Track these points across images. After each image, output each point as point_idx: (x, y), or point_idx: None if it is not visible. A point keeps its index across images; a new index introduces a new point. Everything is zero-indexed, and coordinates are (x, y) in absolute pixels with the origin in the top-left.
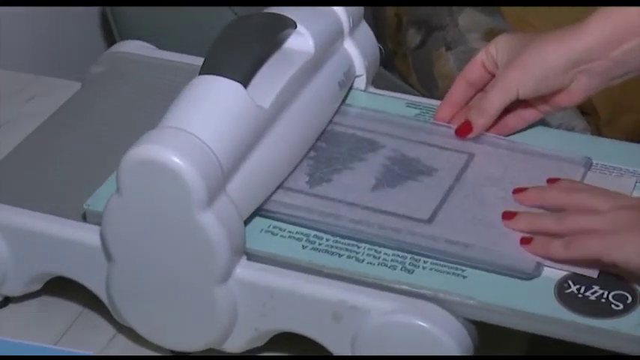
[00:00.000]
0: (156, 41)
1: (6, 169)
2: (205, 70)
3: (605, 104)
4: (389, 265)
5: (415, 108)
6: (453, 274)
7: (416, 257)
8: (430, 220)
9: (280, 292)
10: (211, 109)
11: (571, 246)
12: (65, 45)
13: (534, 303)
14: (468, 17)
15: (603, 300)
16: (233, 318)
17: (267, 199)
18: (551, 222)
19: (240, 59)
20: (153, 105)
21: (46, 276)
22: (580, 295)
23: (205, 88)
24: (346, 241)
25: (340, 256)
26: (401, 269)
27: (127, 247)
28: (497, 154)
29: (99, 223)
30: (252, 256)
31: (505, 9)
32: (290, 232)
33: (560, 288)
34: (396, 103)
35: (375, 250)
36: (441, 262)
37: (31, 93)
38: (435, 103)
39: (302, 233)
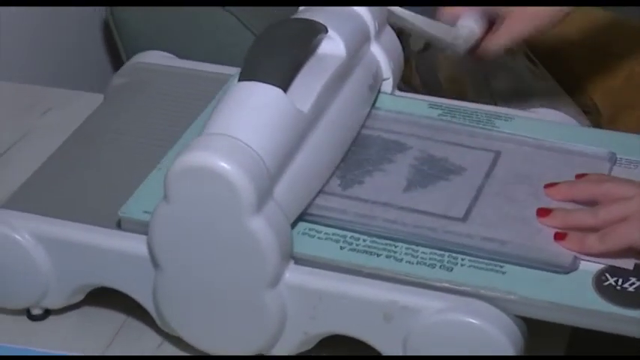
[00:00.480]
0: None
1: (40, 182)
2: (245, 76)
3: (606, 102)
4: (428, 263)
5: (437, 108)
6: (492, 270)
7: (453, 255)
8: (464, 219)
9: (330, 295)
10: (254, 115)
11: (606, 239)
12: (67, 56)
13: (574, 296)
14: None
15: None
16: (282, 322)
17: None
18: (585, 216)
19: (278, 65)
20: (178, 113)
21: (89, 287)
22: (618, 287)
23: (246, 94)
24: (383, 241)
25: (379, 255)
26: (440, 267)
27: (175, 254)
28: (522, 152)
29: (134, 230)
30: (294, 259)
31: None
32: (327, 233)
33: (598, 281)
34: (419, 105)
35: (413, 249)
36: (479, 260)
37: (45, 106)
38: (455, 103)
39: (339, 235)
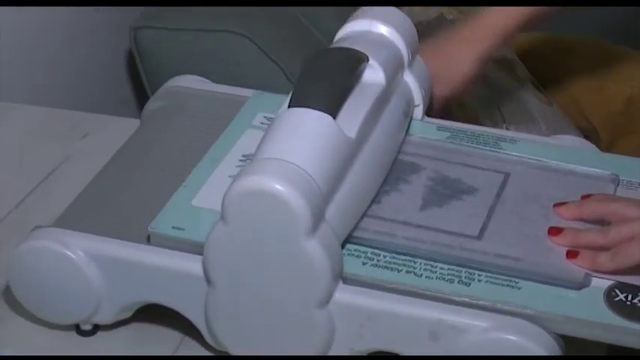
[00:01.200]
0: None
1: (87, 202)
2: (295, 102)
3: (605, 128)
4: (446, 278)
5: (445, 131)
6: (508, 285)
7: (470, 271)
8: (479, 236)
9: (377, 314)
10: (307, 140)
11: (616, 258)
12: (94, 82)
13: (586, 310)
14: None
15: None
16: (331, 339)
17: None
18: (595, 236)
19: (328, 92)
20: (214, 134)
21: (139, 304)
22: (629, 303)
23: (298, 120)
24: (402, 257)
25: (399, 271)
26: (458, 282)
27: (230, 273)
28: (531, 173)
29: (163, 245)
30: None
31: (515, 42)
32: (348, 249)
33: (609, 296)
34: (428, 127)
35: (431, 265)
36: (495, 275)
37: (83, 130)
38: (461, 126)
39: (360, 251)
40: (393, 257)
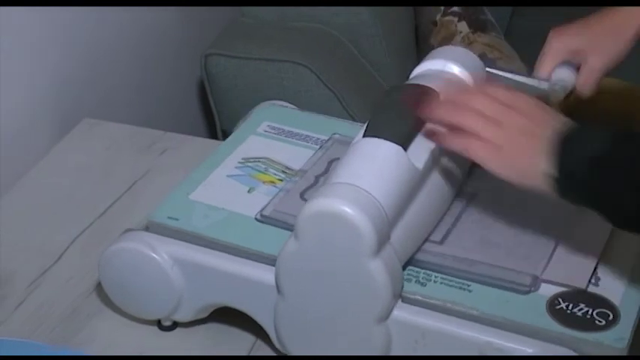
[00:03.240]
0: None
1: None
2: (370, 133)
3: None
4: (405, 278)
5: None
6: (460, 287)
7: (428, 272)
8: (442, 241)
9: (431, 332)
10: (378, 168)
11: (458, 141)
12: (170, 104)
13: (529, 315)
14: None
15: (588, 316)
16: (387, 352)
17: None
18: (446, 113)
19: (400, 125)
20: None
21: (216, 306)
22: (568, 311)
23: (371, 149)
24: None
25: None
26: (415, 282)
27: (298, 284)
28: (501, 185)
29: (159, 232)
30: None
31: None
32: None
33: (552, 304)
34: None
35: (408, 268)
36: (450, 277)
37: (162, 147)
38: None
39: None
40: None
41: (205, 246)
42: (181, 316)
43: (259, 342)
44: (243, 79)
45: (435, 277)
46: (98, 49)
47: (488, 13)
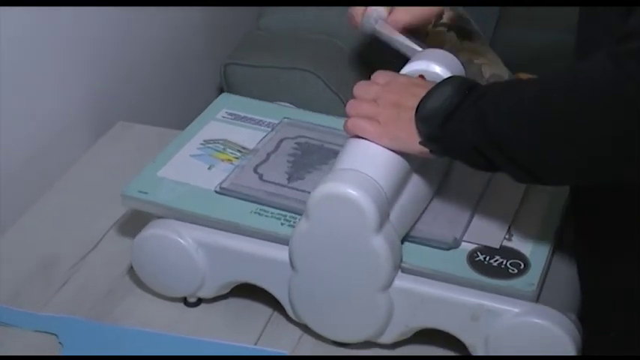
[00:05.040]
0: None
1: None
2: None
3: None
4: None
5: None
6: None
7: None
8: None
9: (429, 298)
10: (377, 155)
11: (348, 126)
12: (194, 108)
13: (452, 267)
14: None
15: (503, 266)
16: (389, 317)
17: (255, 189)
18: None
19: None
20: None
21: (236, 283)
22: (486, 263)
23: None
24: None
25: None
26: None
27: (310, 261)
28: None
29: (130, 205)
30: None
31: None
32: (272, 213)
33: (471, 257)
34: None
35: None
36: None
37: None
38: None
39: (281, 214)
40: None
41: (176, 217)
42: (205, 293)
43: (276, 314)
44: (258, 85)
45: None
46: (130, 60)
47: (474, 24)
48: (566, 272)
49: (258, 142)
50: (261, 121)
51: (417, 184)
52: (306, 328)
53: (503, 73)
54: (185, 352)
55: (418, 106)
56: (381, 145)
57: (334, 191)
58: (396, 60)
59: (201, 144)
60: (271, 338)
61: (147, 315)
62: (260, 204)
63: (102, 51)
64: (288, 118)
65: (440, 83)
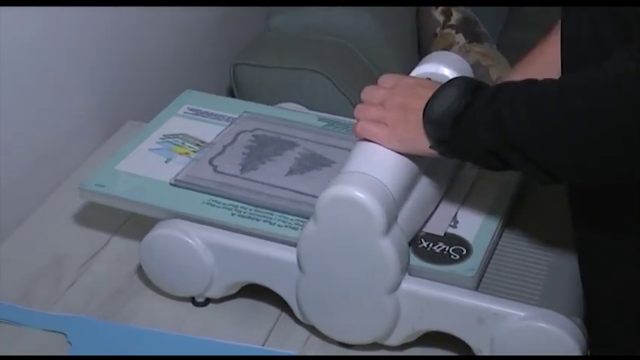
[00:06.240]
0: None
1: None
2: None
3: None
4: (293, 226)
5: (323, 121)
6: None
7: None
8: None
9: (436, 301)
10: (385, 158)
11: (357, 129)
12: None
13: None
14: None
15: (445, 252)
16: (396, 320)
17: (208, 180)
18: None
19: None
20: None
21: (243, 283)
22: (429, 249)
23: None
24: (264, 210)
25: (258, 220)
26: (301, 230)
27: (318, 262)
28: None
29: (87, 198)
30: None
31: None
32: (224, 204)
33: (415, 244)
34: (311, 118)
35: (285, 217)
36: None
37: None
38: (336, 118)
39: (232, 204)
40: (257, 210)
41: (130, 209)
42: (213, 293)
43: (283, 315)
44: (267, 85)
45: None
46: (139, 60)
47: (482, 26)
48: (571, 276)
49: (217, 136)
50: (221, 115)
51: (424, 187)
52: (313, 329)
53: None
54: (193, 352)
55: (425, 108)
56: (389, 148)
57: (342, 194)
58: (404, 61)
59: (161, 138)
60: (279, 339)
61: (155, 314)
62: (212, 194)
63: (112, 51)
64: (248, 111)
65: (445, 84)
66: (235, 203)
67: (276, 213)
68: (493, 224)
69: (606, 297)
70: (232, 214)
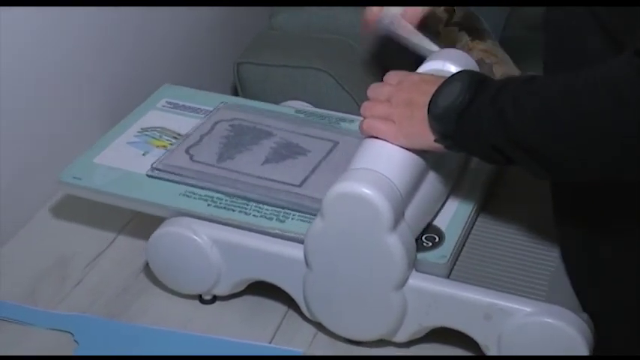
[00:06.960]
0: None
1: None
2: None
3: None
4: (268, 216)
5: (301, 113)
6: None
7: (287, 211)
8: (300, 185)
9: (442, 297)
10: (392, 154)
11: (364, 126)
12: None
13: None
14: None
15: (418, 240)
16: (403, 316)
17: (184, 169)
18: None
19: None
20: None
21: (251, 280)
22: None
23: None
24: (239, 200)
25: (234, 210)
26: (276, 220)
27: (325, 259)
28: (356, 143)
29: (67, 191)
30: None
31: None
32: (200, 194)
33: None
34: (288, 110)
35: (260, 207)
36: (305, 215)
37: None
38: (314, 110)
39: (208, 195)
40: (233, 200)
41: (107, 201)
42: (220, 291)
43: (290, 311)
44: (271, 83)
45: (293, 214)
46: (143, 59)
47: (485, 23)
48: None
49: (194, 127)
50: (199, 109)
51: (432, 183)
52: (320, 327)
53: (515, 73)
54: (200, 351)
55: (430, 103)
56: (396, 145)
57: (349, 190)
58: (410, 59)
59: (139, 132)
60: (286, 336)
61: (162, 312)
62: (189, 185)
63: (115, 50)
64: (224, 102)
65: (449, 79)
66: (211, 194)
67: (251, 203)
68: (466, 211)
69: (595, 295)
70: (208, 205)
